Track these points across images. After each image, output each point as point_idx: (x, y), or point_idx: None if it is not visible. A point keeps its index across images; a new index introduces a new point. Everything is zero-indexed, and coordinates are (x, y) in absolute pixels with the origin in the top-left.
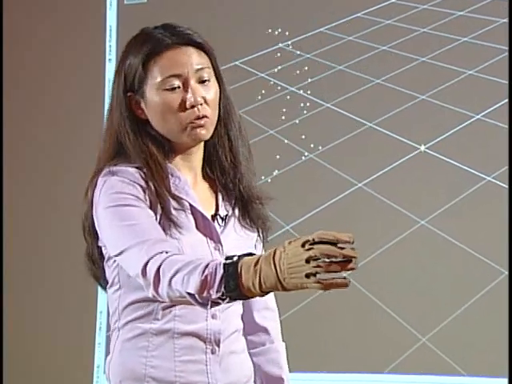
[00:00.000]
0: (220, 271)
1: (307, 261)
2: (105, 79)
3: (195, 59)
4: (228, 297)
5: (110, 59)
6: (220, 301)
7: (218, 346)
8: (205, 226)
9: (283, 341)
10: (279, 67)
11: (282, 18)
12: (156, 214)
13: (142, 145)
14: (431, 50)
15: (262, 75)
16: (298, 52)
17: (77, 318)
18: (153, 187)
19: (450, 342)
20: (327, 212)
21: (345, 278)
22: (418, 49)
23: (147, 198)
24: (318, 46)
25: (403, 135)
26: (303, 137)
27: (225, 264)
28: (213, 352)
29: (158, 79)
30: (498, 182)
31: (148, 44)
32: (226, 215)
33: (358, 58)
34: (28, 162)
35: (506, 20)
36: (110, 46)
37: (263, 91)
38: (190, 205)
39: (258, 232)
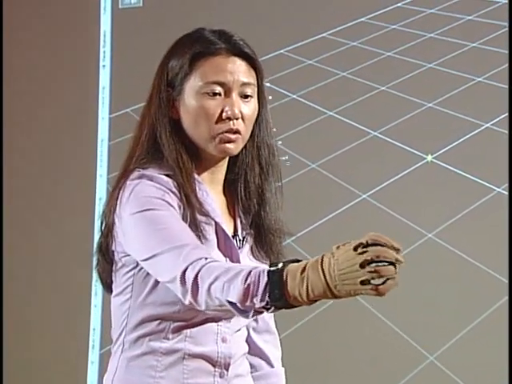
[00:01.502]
0: (264, 279)
1: (361, 265)
2: (98, 86)
3: (243, 72)
4: (273, 306)
5: (104, 65)
6: (264, 310)
7: (227, 369)
8: (226, 245)
9: (283, 365)
10: (280, 74)
11: (282, 23)
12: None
13: (175, 143)
14: (438, 55)
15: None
16: (300, 58)
17: (69, 336)
18: (184, 197)
19: (458, 360)
20: (330, 224)
21: (393, 278)
22: (424, 54)
23: (180, 206)
24: (321, 52)
25: (409, 144)
26: (305, 146)
27: (269, 271)
28: (221, 376)
29: (201, 82)
30: (508, 194)
31: (200, 44)
32: (244, 237)
33: (362, 65)
34: (24, 165)
35: (507, 24)
36: (105, 51)
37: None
38: (215, 222)
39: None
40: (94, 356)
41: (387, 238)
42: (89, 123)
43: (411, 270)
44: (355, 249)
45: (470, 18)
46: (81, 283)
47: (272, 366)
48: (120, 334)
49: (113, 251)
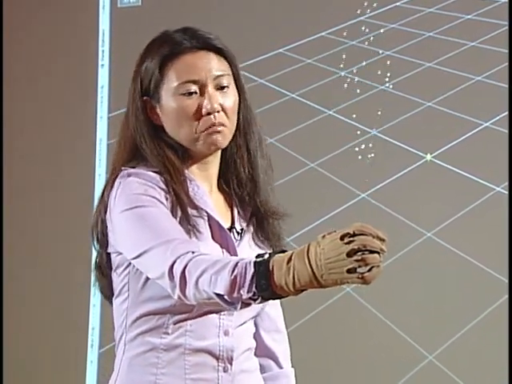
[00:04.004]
0: (250, 270)
1: (348, 255)
2: (97, 85)
3: (214, 65)
4: (260, 296)
5: (102, 64)
6: (251, 301)
7: (231, 363)
8: (221, 236)
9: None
10: (279, 73)
11: (281, 22)
12: (176, 219)
13: (159, 149)
14: (437, 54)
15: (262, 81)
16: (299, 57)
17: (68, 335)
18: (173, 192)
19: (458, 359)
20: (329, 224)
21: (378, 266)
22: (423, 54)
23: (168, 201)
24: (320, 51)
25: (408, 143)
26: (304, 145)
27: (255, 262)
28: (225, 370)
29: (175, 83)
30: (508, 193)
31: (166, 46)
32: (242, 229)
33: (360, 64)
34: (23, 165)
35: (507, 23)
36: (103, 50)
37: (263, 98)
38: (208, 214)
39: (273, 249)
40: (93, 355)
41: (373, 228)
42: (87, 122)
43: (410, 269)
44: (342, 238)
45: (469, 17)
46: (80, 283)
47: (281, 367)
48: (121, 335)
49: (108, 255)
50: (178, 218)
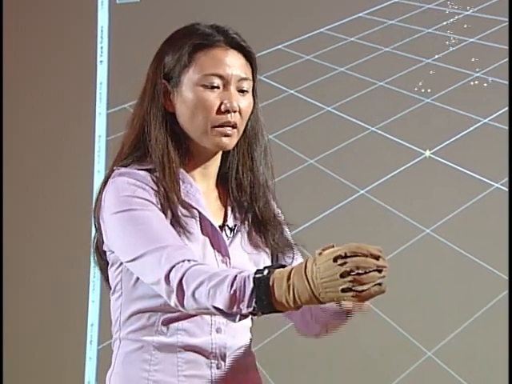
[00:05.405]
0: (250, 285)
1: (342, 275)
2: (96, 82)
3: (241, 67)
4: (260, 312)
5: (101, 61)
6: (251, 315)
7: (224, 360)
8: (213, 236)
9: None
10: (278, 69)
11: (280, 18)
12: (166, 219)
13: (163, 139)
14: (436, 51)
15: (261, 77)
16: (298, 53)
17: (67, 331)
18: (163, 190)
19: (456, 356)
20: (328, 220)
21: (380, 284)
22: (422, 50)
23: (158, 201)
24: (319, 48)
25: (407, 140)
26: (303, 142)
27: (255, 278)
28: (218, 367)
29: (200, 73)
30: (507, 189)
31: (199, 36)
32: (235, 225)
33: (360, 60)
34: (22, 162)
35: (507, 19)
36: (102, 47)
37: (261, 94)
38: (200, 213)
39: (277, 256)
40: (91, 352)
41: (366, 247)
42: (86, 119)
43: (409, 265)
44: (335, 260)
45: (468, 13)
46: (79, 279)
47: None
48: (117, 331)
49: (104, 251)
50: (168, 220)
